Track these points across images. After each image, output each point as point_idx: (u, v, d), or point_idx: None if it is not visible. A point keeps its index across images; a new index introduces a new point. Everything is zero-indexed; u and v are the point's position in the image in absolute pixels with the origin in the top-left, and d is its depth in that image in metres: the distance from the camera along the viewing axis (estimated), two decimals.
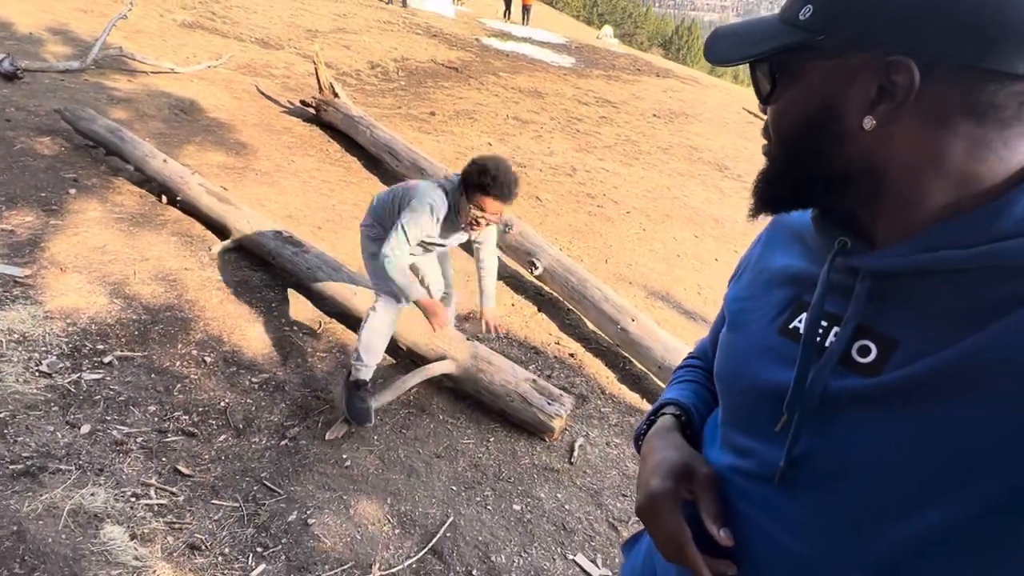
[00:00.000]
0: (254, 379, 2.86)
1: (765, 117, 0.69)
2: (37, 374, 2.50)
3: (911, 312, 0.59)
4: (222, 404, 2.67)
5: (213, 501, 2.24)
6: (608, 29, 26.21)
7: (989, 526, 0.52)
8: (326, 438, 2.62)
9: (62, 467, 2.17)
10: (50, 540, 1.89)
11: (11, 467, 2.09)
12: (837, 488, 0.60)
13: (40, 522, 1.94)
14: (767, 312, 0.73)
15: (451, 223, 2.52)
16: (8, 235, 3.29)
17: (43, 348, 2.63)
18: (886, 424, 0.57)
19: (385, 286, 2.63)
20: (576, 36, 17.49)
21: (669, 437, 0.81)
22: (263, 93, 6.77)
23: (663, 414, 0.87)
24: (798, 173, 0.65)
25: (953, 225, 0.57)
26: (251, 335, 3.11)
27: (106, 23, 6.66)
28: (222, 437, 2.53)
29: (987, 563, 0.53)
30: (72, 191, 3.84)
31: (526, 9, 21.00)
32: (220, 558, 2.05)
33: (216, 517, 2.18)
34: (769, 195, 0.68)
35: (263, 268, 3.62)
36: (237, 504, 2.25)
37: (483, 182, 2.32)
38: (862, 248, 0.64)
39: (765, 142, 0.68)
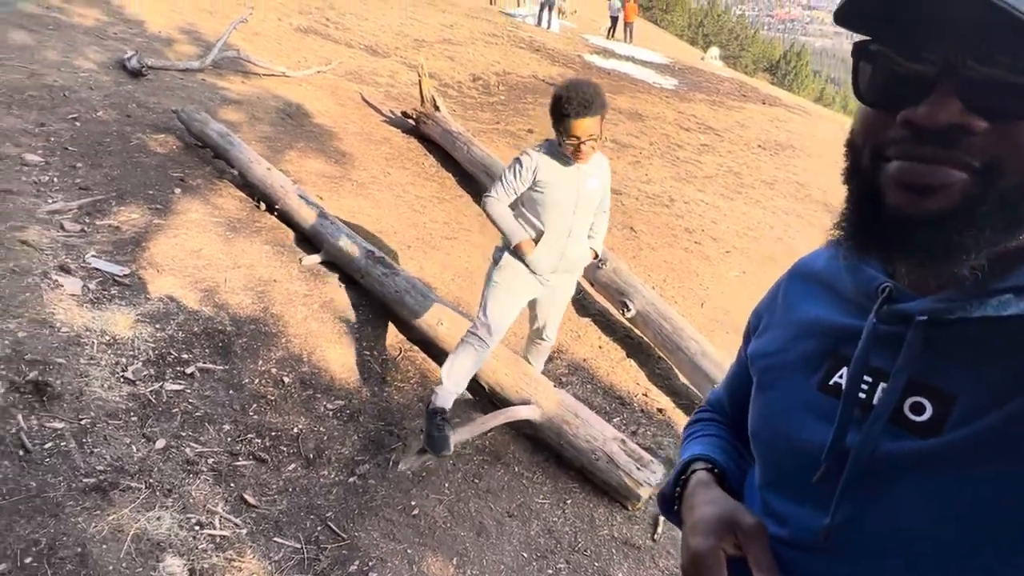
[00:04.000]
0: (329, 405, 2.77)
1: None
2: (122, 380, 2.50)
3: (968, 364, 0.55)
4: (295, 430, 2.59)
5: (275, 539, 2.15)
6: (715, 51, 25.53)
7: None
8: (399, 468, 2.51)
9: (133, 484, 2.12)
10: (111, 568, 1.83)
11: (84, 480, 2.07)
12: (891, 556, 0.57)
13: (104, 546, 1.89)
14: (801, 367, 0.69)
15: (560, 161, 2.46)
16: (114, 231, 3.37)
17: (131, 353, 2.64)
18: (948, 488, 0.53)
19: (484, 317, 2.53)
20: (679, 56, 17.07)
21: (708, 492, 0.74)
22: (366, 101, 6.85)
23: (694, 471, 0.79)
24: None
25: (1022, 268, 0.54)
26: (331, 357, 3.04)
27: (228, 25, 6.93)
28: (291, 466, 2.44)
29: None
30: (177, 191, 3.92)
31: (628, 26, 20.72)
32: None
33: (276, 558, 2.08)
34: (985, 241, 0.52)
35: (351, 286, 3.56)
36: (299, 546, 2.15)
37: (560, 109, 2.32)
38: (908, 295, 0.59)
39: (959, 169, 0.51)
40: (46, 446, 2.12)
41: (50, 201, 3.44)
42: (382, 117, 6.52)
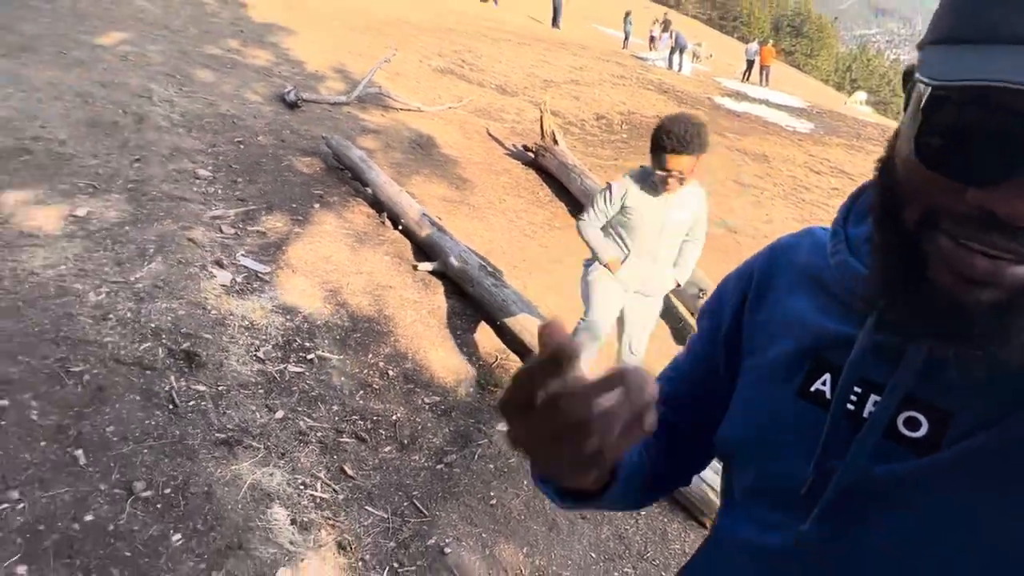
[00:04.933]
0: (427, 399, 3.01)
1: None
2: (254, 358, 2.88)
3: (962, 380, 0.52)
4: (394, 417, 2.85)
5: (366, 507, 2.38)
6: (860, 95, 24.38)
7: None
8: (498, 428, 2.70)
9: (253, 444, 2.45)
10: (229, 507, 2.14)
11: (216, 435, 2.41)
12: (889, 573, 0.55)
13: (226, 489, 2.21)
14: (781, 369, 0.64)
15: (649, 189, 2.58)
16: (261, 236, 3.87)
17: (263, 337, 3.03)
18: (945, 508, 0.51)
19: (587, 317, 2.76)
20: (819, 101, 16.47)
21: None
22: (491, 135, 7.28)
23: None
24: None
25: None
26: (433, 357, 3.29)
27: (373, 65, 7.67)
28: (387, 448, 2.69)
29: None
30: (316, 205, 4.42)
31: (765, 69, 20.29)
32: (360, 563, 2.16)
33: (366, 523, 2.31)
34: None
35: (458, 296, 3.83)
36: (386, 516, 2.37)
37: (659, 140, 2.40)
38: None
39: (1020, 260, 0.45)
40: (189, 403, 2.50)
41: (213, 208, 4.02)
42: (504, 150, 6.90)
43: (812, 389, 0.61)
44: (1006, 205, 0.43)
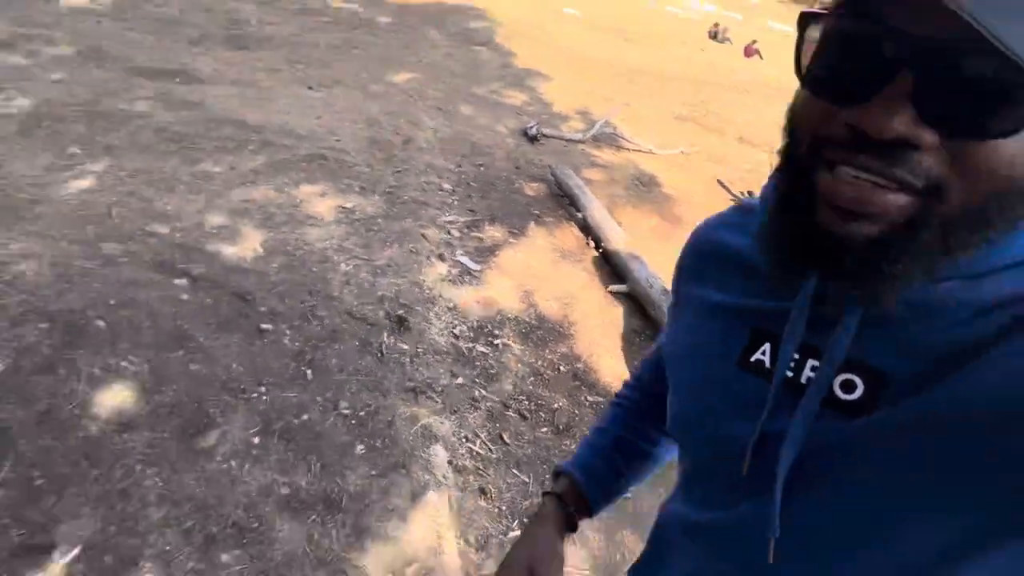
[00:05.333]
0: (589, 397, 3.26)
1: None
2: (450, 334, 3.40)
3: (896, 341, 0.52)
4: (556, 405, 3.15)
5: (513, 470, 2.71)
6: None
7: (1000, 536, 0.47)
8: None
9: (434, 397, 2.93)
10: (403, 437, 2.62)
11: (407, 383, 2.94)
12: (838, 546, 0.54)
13: (404, 423, 2.70)
14: (717, 345, 0.64)
15: None
16: (479, 241, 4.48)
17: (461, 319, 3.55)
18: (881, 468, 0.50)
19: None
20: None
21: (539, 527, 0.89)
22: (720, 183, 7.31)
23: (553, 492, 0.96)
24: (978, 237, 0.47)
25: (970, 258, 0.50)
26: (603, 365, 3.54)
27: (611, 108, 8.18)
28: (544, 429, 2.99)
29: None
30: (532, 223, 4.95)
31: None
32: (495, 511, 2.49)
33: (509, 481, 2.64)
34: (920, 263, 0.48)
35: (640, 316, 4.03)
36: (528, 481, 2.66)
37: None
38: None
39: (900, 187, 0.46)
40: (393, 356, 3.07)
41: (447, 215, 4.74)
42: (730, 195, 6.89)
43: (752, 360, 0.60)
44: (873, 121, 0.43)
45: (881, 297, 0.49)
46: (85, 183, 3.94)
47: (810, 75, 0.48)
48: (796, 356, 0.57)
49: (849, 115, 0.44)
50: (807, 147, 0.50)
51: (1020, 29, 0.37)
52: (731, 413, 0.61)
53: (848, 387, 0.53)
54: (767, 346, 0.60)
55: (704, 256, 0.71)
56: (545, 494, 0.97)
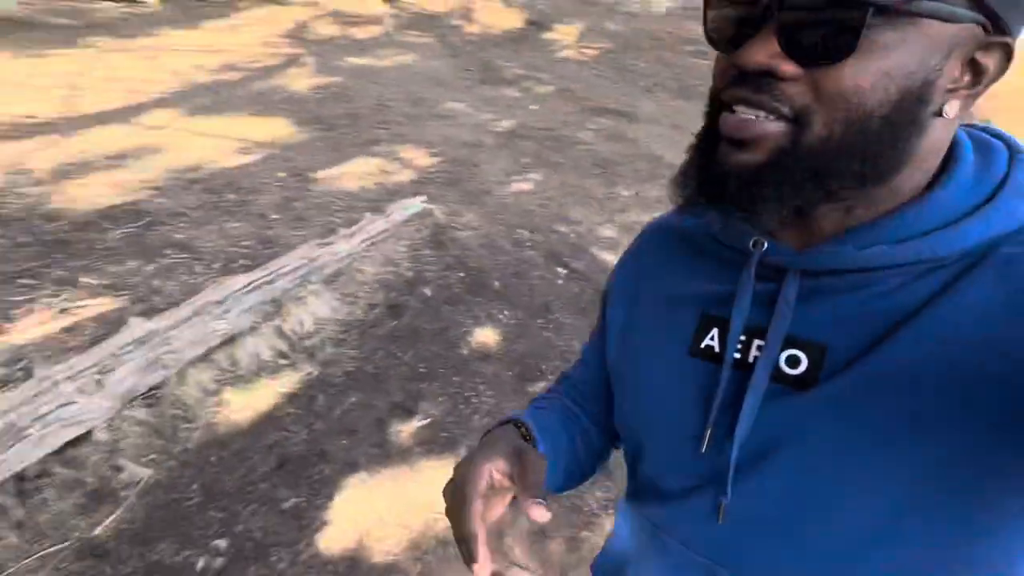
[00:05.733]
0: None
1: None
2: None
3: (833, 313, 0.54)
4: None
5: None
6: None
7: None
8: None
9: None
10: None
11: None
12: (795, 518, 0.55)
13: None
14: (666, 336, 0.65)
15: None
16: None
17: None
18: (827, 440, 0.52)
19: None
20: None
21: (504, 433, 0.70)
22: None
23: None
24: (848, 171, 0.50)
25: (890, 221, 0.53)
26: None
27: None
28: None
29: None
30: None
31: None
32: None
33: None
34: (792, 195, 0.51)
35: None
36: None
37: None
38: (781, 249, 0.57)
39: (772, 113, 0.50)
40: None
41: None
42: None
43: (702, 346, 0.62)
44: (743, 56, 0.49)
45: (763, 220, 0.52)
46: (525, 186, 5.06)
47: (709, 34, 0.55)
48: (742, 338, 0.59)
49: (731, 57, 0.51)
50: (713, 97, 0.55)
51: None
52: (687, 400, 0.61)
53: (793, 362, 0.55)
54: (715, 331, 0.61)
55: (661, 245, 0.73)
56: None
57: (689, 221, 0.69)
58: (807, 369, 0.54)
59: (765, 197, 0.51)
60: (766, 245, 0.58)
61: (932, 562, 0.51)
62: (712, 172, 0.53)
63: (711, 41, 0.54)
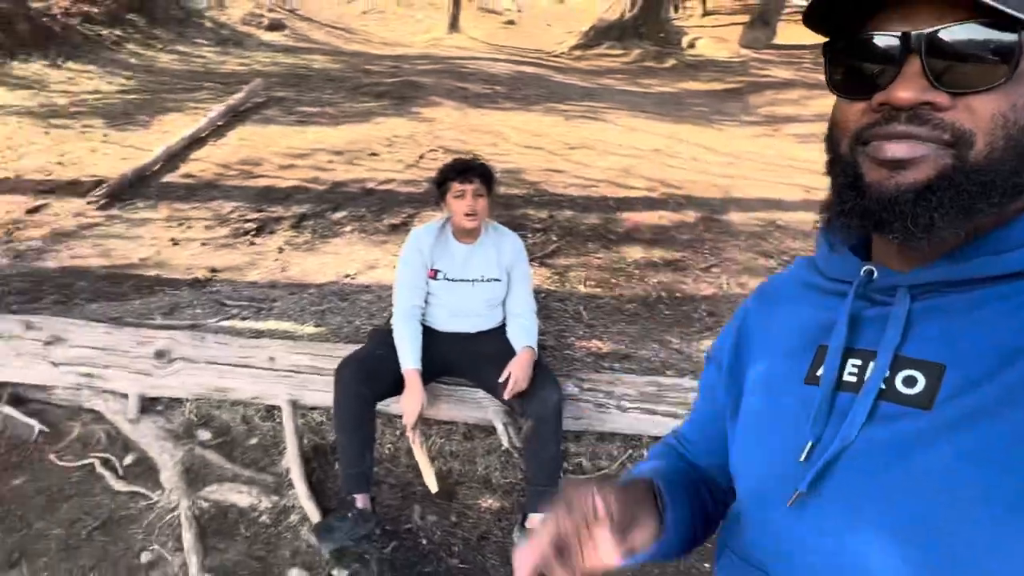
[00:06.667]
0: None
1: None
2: None
3: (956, 332, 0.55)
4: None
5: None
6: None
7: None
8: None
9: None
10: None
11: None
12: (886, 536, 0.53)
13: None
14: (784, 370, 0.66)
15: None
16: None
17: None
18: (946, 461, 0.51)
19: None
20: None
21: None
22: None
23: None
24: (1008, 184, 0.53)
25: (998, 232, 0.55)
26: None
27: None
28: None
29: None
30: None
31: None
32: None
33: None
34: (964, 209, 0.53)
35: None
36: None
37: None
38: (891, 272, 0.60)
39: (931, 141, 0.52)
40: None
41: None
42: None
43: (817, 374, 0.62)
44: (897, 93, 0.52)
45: (931, 238, 0.53)
46: None
47: (843, 84, 0.58)
48: (858, 362, 0.59)
49: (879, 97, 0.54)
50: (848, 144, 0.57)
51: None
52: (800, 423, 0.61)
53: (910, 382, 0.55)
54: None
55: (771, 297, 0.75)
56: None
57: (794, 272, 0.72)
58: (924, 390, 0.54)
59: (939, 214, 0.52)
60: (876, 272, 0.60)
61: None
62: (873, 196, 0.55)
63: (848, 91, 0.58)
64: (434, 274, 2.39)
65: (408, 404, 2.23)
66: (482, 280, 2.41)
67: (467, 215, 2.30)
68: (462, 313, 2.43)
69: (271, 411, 2.68)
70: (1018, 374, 0.50)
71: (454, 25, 14.03)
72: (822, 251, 0.67)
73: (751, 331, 0.74)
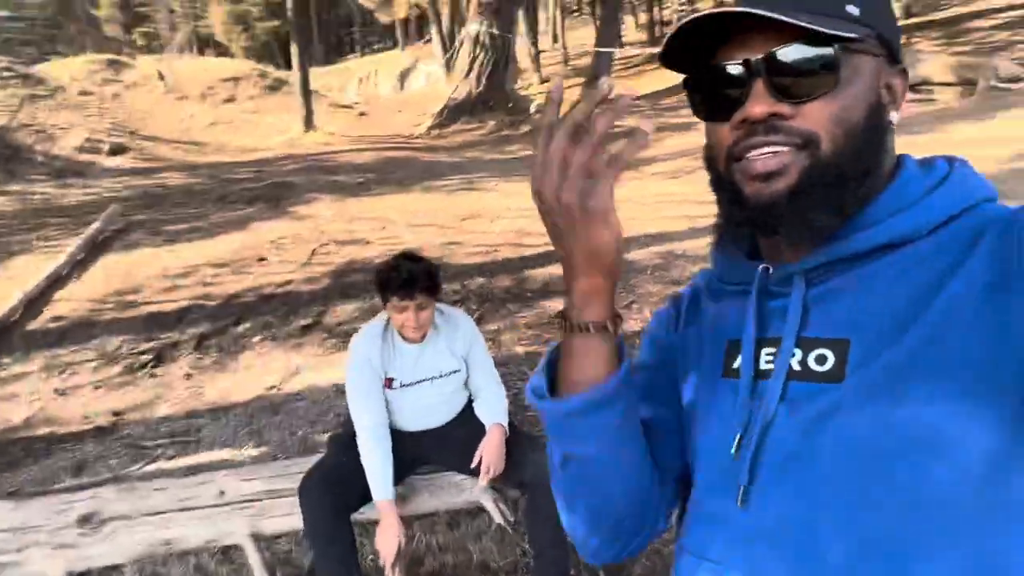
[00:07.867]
0: None
1: None
2: None
3: (851, 307, 0.61)
4: None
5: None
6: None
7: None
8: None
9: None
10: None
11: None
12: (815, 508, 0.58)
13: None
14: (707, 366, 0.72)
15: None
16: None
17: None
18: (862, 429, 0.56)
19: None
20: None
21: None
22: None
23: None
24: (858, 171, 0.61)
25: (868, 210, 0.62)
26: None
27: None
28: None
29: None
30: None
31: None
32: None
33: None
34: (830, 199, 0.60)
35: None
36: None
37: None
38: (787, 265, 0.65)
39: (786, 146, 0.60)
40: None
41: None
42: None
43: (734, 367, 0.68)
44: (750, 109, 0.60)
45: (812, 231, 0.61)
46: None
47: (706, 110, 0.66)
48: (771, 350, 0.65)
49: (738, 115, 0.61)
50: (723, 161, 0.65)
51: (798, 15, 0.56)
52: (723, 417, 0.67)
53: (821, 360, 0.61)
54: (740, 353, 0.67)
55: (701, 288, 0.80)
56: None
57: (693, 286, 0.80)
58: (834, 364, 0.59)
59: (810, 208, 0.60)
60: (772, 269, 0.66)
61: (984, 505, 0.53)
62: (753, 206, 0.62)
63: (705, 116, 0.66)
64: (389, 383, 2.22)
65: (384, 542, 2.02)
66: (440, 376, 2.27)
67: (412, 328, 2.17)
68: (426, 412, 2.30)
69: (228, 552, 2.39)
70: (916, 336, 0.56)
71: (309, 122, 14.04)
72: (720, 264, 0.74)
73: (686, 322, 0.79)
